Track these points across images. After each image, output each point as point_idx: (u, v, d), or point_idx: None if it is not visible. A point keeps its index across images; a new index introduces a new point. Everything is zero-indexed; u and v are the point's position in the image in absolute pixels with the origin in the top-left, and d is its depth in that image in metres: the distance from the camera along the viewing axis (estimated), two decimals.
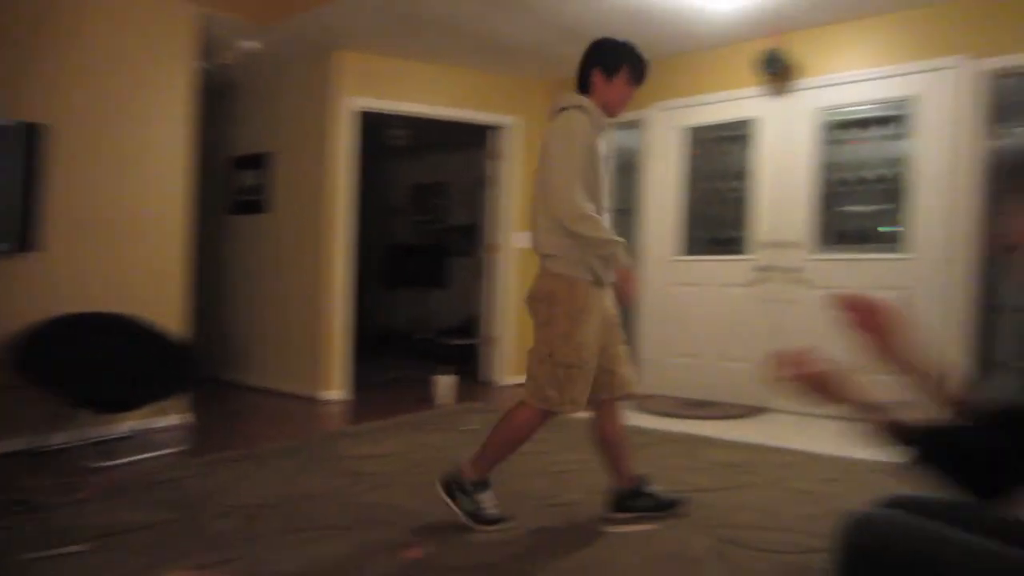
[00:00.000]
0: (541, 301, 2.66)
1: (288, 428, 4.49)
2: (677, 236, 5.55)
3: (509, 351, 6.21)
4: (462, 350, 7.32)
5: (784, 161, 5.00)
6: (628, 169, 5.91)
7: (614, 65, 2.76)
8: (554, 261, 2.65)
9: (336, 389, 5.48)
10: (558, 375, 2.61)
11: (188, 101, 4.69)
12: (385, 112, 5.72)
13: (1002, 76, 4.22)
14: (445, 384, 5.24)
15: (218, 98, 6.48)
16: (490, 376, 6.27)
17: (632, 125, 5.78)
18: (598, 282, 2.66)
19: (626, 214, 5.85)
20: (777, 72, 4.92)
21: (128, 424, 4.33)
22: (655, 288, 5.57)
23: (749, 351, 5.05)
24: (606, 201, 2.73)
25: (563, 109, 2.69)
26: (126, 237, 4.39)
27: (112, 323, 4.15)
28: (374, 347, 7.75)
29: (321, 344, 5.48)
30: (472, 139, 8.44)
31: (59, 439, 3.96)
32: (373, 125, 6.81)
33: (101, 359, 3.93)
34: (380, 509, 2.87)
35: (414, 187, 9.96)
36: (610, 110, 2.76)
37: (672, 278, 5.55)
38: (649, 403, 5.24)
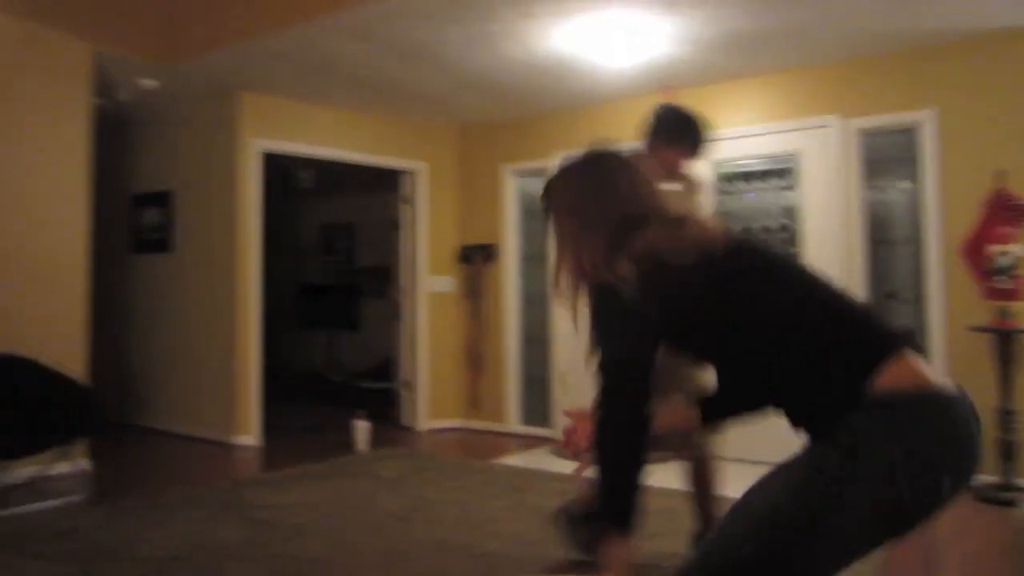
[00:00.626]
0: None
1: (197, 474, 4.34)
2: None
3: (425, 395, 6.21)
4: (377, 394, 7.26)
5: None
6: (534, 215, 6.04)
7: None
8: None
9: (247, 434, 5.32)
10: None
11: (84, 138, 4.55)
12: (291, 154, 5.71)
13: (871, 134, 4.61)
14: (362, 429, 5.17)
15: (117, 135, 6.31)
16: (406, 420, 6.23)
17: (538, 172, 5.95)
18: None
19: (532, 260, 6.01)
20: None
21: (23, 471, 4.08)
22: (568, 335, 5.71)
23: None
24: None
25: None
26: (18, 276, 4.19)
27: (3, 364, 3.93)
28: (285, 390, 7.57)
29: (232, 387, 5.33)
30: (380, 181, 8.50)
31: None
32: (280, 166, 6.77)
33: None
34: (297, 563, 2.81)
35: (323, 228, 9.88)
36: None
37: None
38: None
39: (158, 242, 5.96)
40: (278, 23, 4.27)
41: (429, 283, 6.25)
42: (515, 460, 4.87)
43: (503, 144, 6.11)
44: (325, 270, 9.85)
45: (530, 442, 5.60)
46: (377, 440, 5.46)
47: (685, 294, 1.44)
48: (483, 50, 4.46)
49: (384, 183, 8.26)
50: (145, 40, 4.80)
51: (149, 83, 5.20)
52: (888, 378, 1.29)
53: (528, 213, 6.06)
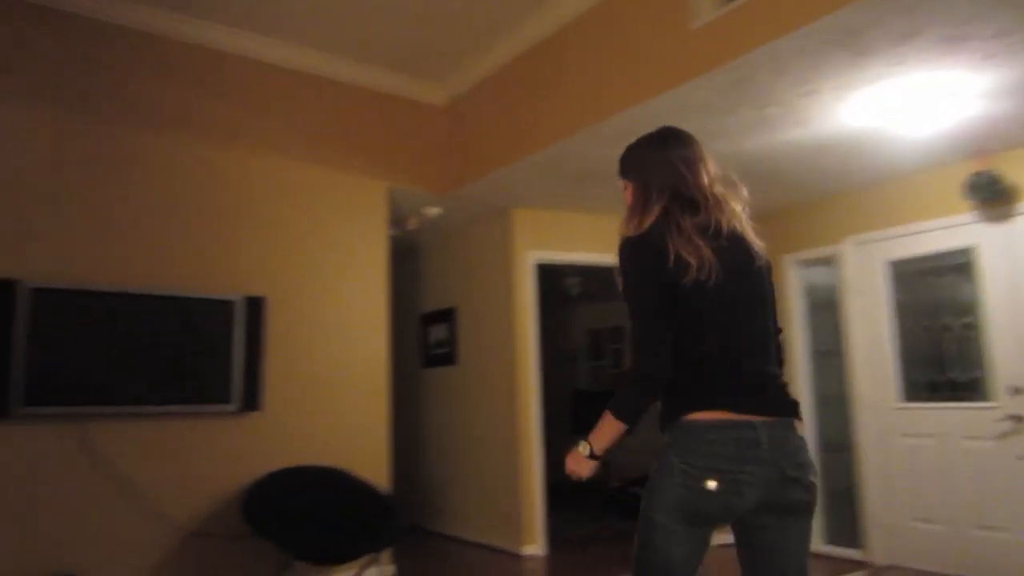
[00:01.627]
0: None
1: None
2: (893, 380, 5.00)
3: None
4: None
5: (1019, 293, 4.45)
6: (822, 308, 5.53)
7: None
8: None
9: (533, 543, 5.26)
10: None
11: (383, 267, 4.99)
12: (559, 263, 5.79)
13: None
14: None
15: (406, 261, 6.91)
16: None
17: (825, 261, 5.46)
18: None
19: (826, 356, 5.42)
20: (991, 196, 4.49)
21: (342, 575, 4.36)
22: (875, 439, 5.01)
23: (1010, 518, 4.32)
24: None
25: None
26: (335, 395, 4.60)
27: (326, 477, 4.28)
28: (565, 498, 7.50)
29: (516, 495, 5.35)
30: None
31: None
32: (548, 275, 6.94)
33: (318, 512, 4.03)
34: None
35: (590, 332, 9.95)
36: None
37: (896, 428, 4.96)
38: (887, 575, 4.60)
39: (444, 356, 6.32)
40: (545, 141, 4.44)
41: None
42: None
43: (783, 233, 5.71)
44: (595, 374, 9.84)
45: (838, 565, 4.90)
46: None
47: (683, 289, 1.78)
48: (760, 136, 4.22)
49: None
50: (429, 174, 5.27)
51: (433, 211, 5.65)
52: (697, 415, 1.74)
53: (816, 306, 5.54)
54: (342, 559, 4.00)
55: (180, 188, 4.18)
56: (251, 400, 4.16)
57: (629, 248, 1.87)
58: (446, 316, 6.35)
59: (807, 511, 1.79)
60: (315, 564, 3.94)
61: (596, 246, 5.83)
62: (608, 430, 1.85)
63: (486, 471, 5.67)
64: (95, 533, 3.69)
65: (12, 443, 3.54)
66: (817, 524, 5.30)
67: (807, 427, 5.27)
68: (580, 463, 1.91)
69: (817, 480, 1.80)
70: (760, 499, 1.71)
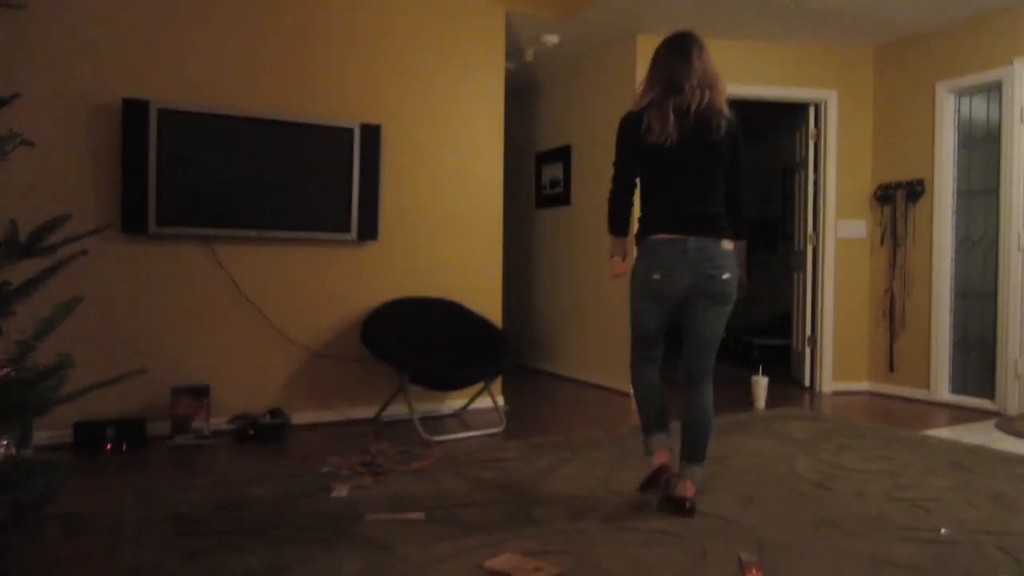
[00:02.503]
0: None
1: (595, 419, 4.42)
2: None
3: (829, 354, 5.59)
4: (771, 351, 6.82)
5: None
6: (972, 144, 4.99)
7: None
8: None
9: None
10: None
11: (499, 97, 4.83)
12: None
13: None
14: (761, 386, 4.83)
15: (521, 97, 6.70)
16: (807, 380, 5.70)
17: (986, 88, 4.86)
18: None
19: (973, 196, 4.95)
20: None
21: (451, 403, 4.59)
22: (1022, 285, 4.63)
23: None
24: None
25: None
26: (449, 229, 4.64)
27: (441, 307, 4.41)
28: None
29: (622, 336, 5.37)
30: (771, 125, 7.86)
31: (398, 412, 4.31)
32: None
33: (432, 340, 4.19)
34: (708, 518, 2.62)
35: None
36: None
37: None
38: (1020, 425, 4.38)
39: (558, 196, 6.23)
40: None
41: (837, 229, 5.56)
42: (949, 434, 4.10)
43: (936, 58, 5.12)
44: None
45: (964, 414, 4.70)
46: (774, 399, 5.07)
47: (646, 147, 2.65)
48: None
49: (776, 126, 7.64)
50: None
51: (551, 39, 5.37)
52: (651, 235, 2.67)
53: (969, 140, 5.01)
54: (454, 385, 4.17)
55: (295, 14, 4.12)
56: (368, 229, 4.26)
57: (623, 118, 2.77)
58: (561, 155, 6.20)
59: (719, 297, 2.66)
60: (429, 388, 4.13)
61: (724, 75, 5.40)
62: (614, 243, 2.87)
63: (597, 313, 5.68)
64: (224, 350, 3.99)
65: (149, 260, 3.80)
66: (943, 373, 5.09)
67: (946, 270, 5.02)
68: (614, 266, 2.88)
69: (730, 277, 2.65)
70: (689, 285, 2.65)
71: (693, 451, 2.70)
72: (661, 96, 2.65)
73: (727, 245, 2.65)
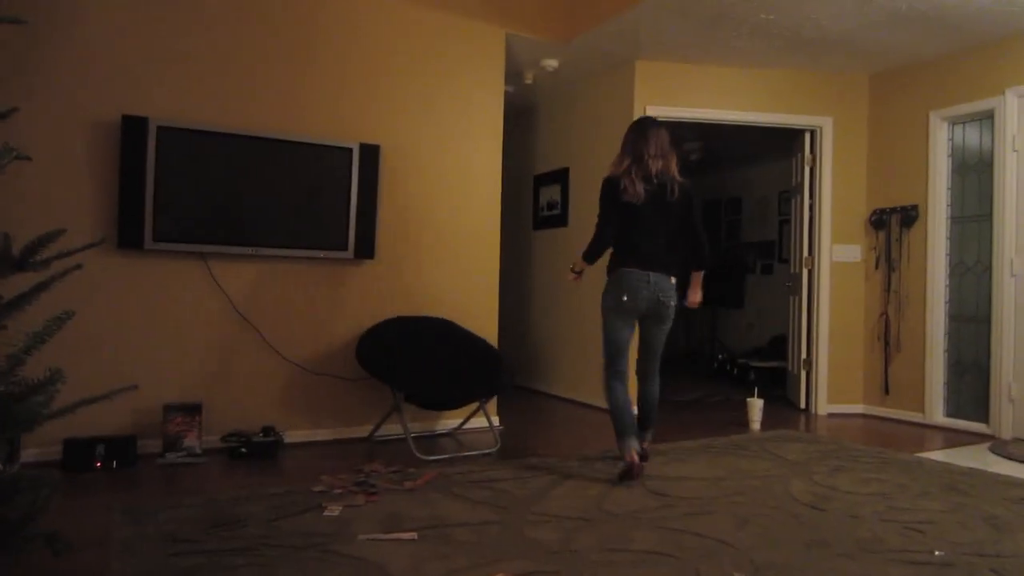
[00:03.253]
0: None
1: (590, 440, 4.40)
2: None
3: (824, 377, 5.59)
4: (766, 373, 6.82)
5: None
6: (964, 171, 5.02)
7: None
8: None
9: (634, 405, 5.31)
10: None
11: (498, 119, 4.88)
12: (684, 120, 5.49)
13: None
14: (756, 407, 4.82)
15: (520, 120, 6.75)
16: (802, 402, 5.69)
17: (978, 117, 4.91)
18: None
19: (966, 222, 4.98)
20: None
21: (446, 423, 4.57)
22: (1016, 310, 4.65)
23: None
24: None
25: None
26: (447, 249, 4.65)
27: (437, 327, 4.40)
28: (675, 366, 7.53)
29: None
30: (769, 151, 7.92)
31: (391, 431, 4.29)
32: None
33: (428, 360, 4.18)
34: (703, 540, 2.60)
35: (706, 204, 9.61)
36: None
37: None
38: (1013, 448, 4.38)
39: (555, 218, 6.25)
40: None
41: (833, 253, 5.59)
42: (943, 456, 4.09)
43: (930, 87, 5.18)
44: (709, 247, 9.59)
45: (958, 437, 4.70)
46: (769, 421, 5.06)
47: (621, 203, 3.49)
48: None
49: (774, 151, 7.70)
50: (551, 17, 5.00)
51: (551, 63, 5.42)
52: (622, 268, 3.49)
53: (962, 167, 5.05)
54: (449, 405, 4.16)
55: (297, 34, 4.16)
56: (366, 248, 4.26)
57: (605, 180, 3.55)
58: (559, 177, 6.23)
59: (665, 318, 3.59)
60: (424, 408, 4.12)
61: (720, 100, 5.48)
62: (579, 261, 3.67)
63: (593, 334, 5.66)
64: (218, 367, 3.97)
65: (144, 276, 3.79)
66: (938, 396, 5.09)
67: (940, 295, 5.04)
68: (572, 275, 3.77)
69: (674, 304, 3.56)
70: (647, 308, 3.51)
71: (646, 421, 3.76)
72: (631, 164, 3.49)
73: (673, 280, 3.56)
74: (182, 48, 3.87)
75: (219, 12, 3.97)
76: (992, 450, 4.28)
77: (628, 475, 3.37)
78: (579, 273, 3.71)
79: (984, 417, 4.82)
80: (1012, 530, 2.74)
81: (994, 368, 4.75)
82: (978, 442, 4.55)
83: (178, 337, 3.86)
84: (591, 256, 3.59)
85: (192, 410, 3.72)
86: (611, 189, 3.50)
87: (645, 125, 3.59)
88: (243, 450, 3.73)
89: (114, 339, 3.71)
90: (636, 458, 3.39)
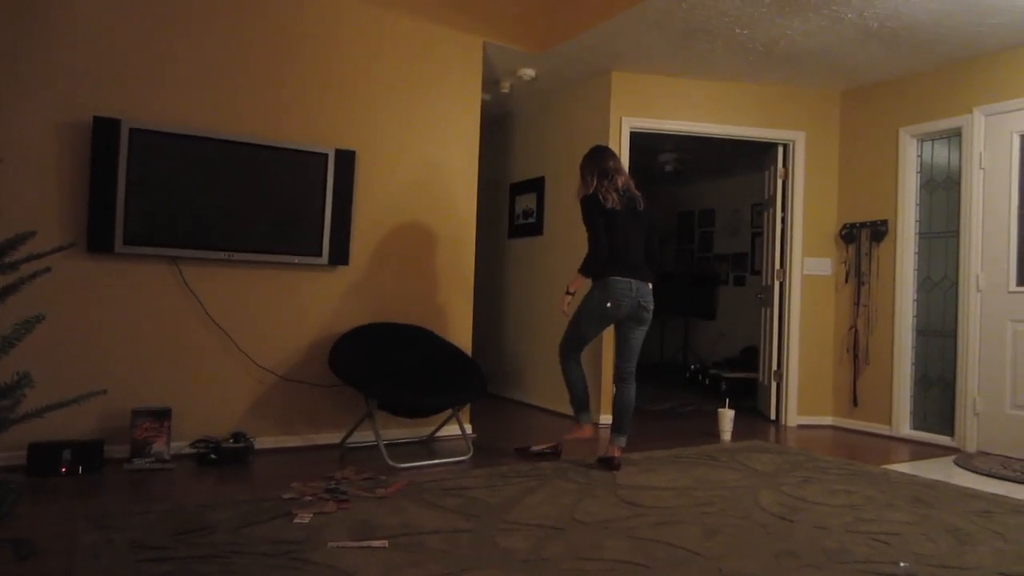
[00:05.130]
0: None
1: (565, 450, 4.41)
2: (1011, 263, 4.66)
3: (794, 389, 5.67)
4: (737, 384, 6.88)
5: None
6: (932, 188, 5.13)
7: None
8: None
9: (607, 413, 5.34)
10: None
11: (475, 127, 4.89)
12: (659, 132, 5.55)
13: None
14: (727, 418, 4.87)
15: (496, 129, 6.78)
16: (772, 413, 5.76)
17: (946, 135, 5.02)
18: None
19: (934, 238, 5.08)
20: None
21: (418, 431, 4.56)
22: (981, 325, 4.75)
23: None
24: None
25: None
26: (422, 257, 4.65)
27: (411, 334, 4.39)
28: (648, 375, 7.56)
29: (597, 368, 5.39)
30: (741, 163, 8.02)
31: (363, 438, 4.27)
32: (641, 153, 6.69)
33: (401, 367, 4.17)
34: (672, 549, 2.62)
35: (679, 215, 9.70)
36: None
37: (1007, 313, 4.67)
38: (978, 461, 4.46)
39: (530, 227, 6.28)
40: None
41: (804, 266, 5.67)
42: (909, 468, 4.16)
43: (900, 104, 5.28)
44: (680, 258, 9.67)
45: (924, 450, 4.78)
46: (739, 431, 5.11)
47: (607, 211, 3.77)
48: None
49: (747, 164, 7.80)
50: (528, 28, 5.03)
51: (528, 72, 5.46)
52: (608, 276, 3.75)
53: (931, 184, 5.16)
54: (423, 412, 4.15)
55: (274, 38, 4.14)
56: (340, 254, 4.25)
57: (585, 200, 3.82)
58: (534, 186, 6.26)
59: (644, 321, 3.86)
60: (396, 415, 4.11)
61: (695, 113, 5.54)
62: (578, 280, 3.86)
63: None
64: (189, 372, 3.93)
65: (114, 279, 3.74)
66: (905, 409, 5.18)
67: (908, 309, 5.13)
68: (564, 300, 3.91)
69: (651, 307, 3.85)
70: (627, 313, 3.79)
71: (621, 426, 3.90)
72: (600, 180, 3.82)
73: (650, 286, 3.87)
74: (157, 50, 3.84)
75: (195, 14, 3.94)
76: (957, 463, 4.36)
77: (609, 464, 3.82)
78: (573, 294, 3.90)
79: (949, 430, 4.91)
80: (975, 542, 2.79)
81: (959, 382, 4.84)
82: (943, 455, 4.63)
83: (148, 342, 3.81)
84: (594, 269, 3.78)
85: (161, 415, 3.67)
86: (594, 202, 3.77)
87: (599, 149, 3.98)
88: (213, 456, 3.69)
89: (83, 343, 3.65)
90: (591, 430, 4.07)
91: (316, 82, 4.28)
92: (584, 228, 3.84)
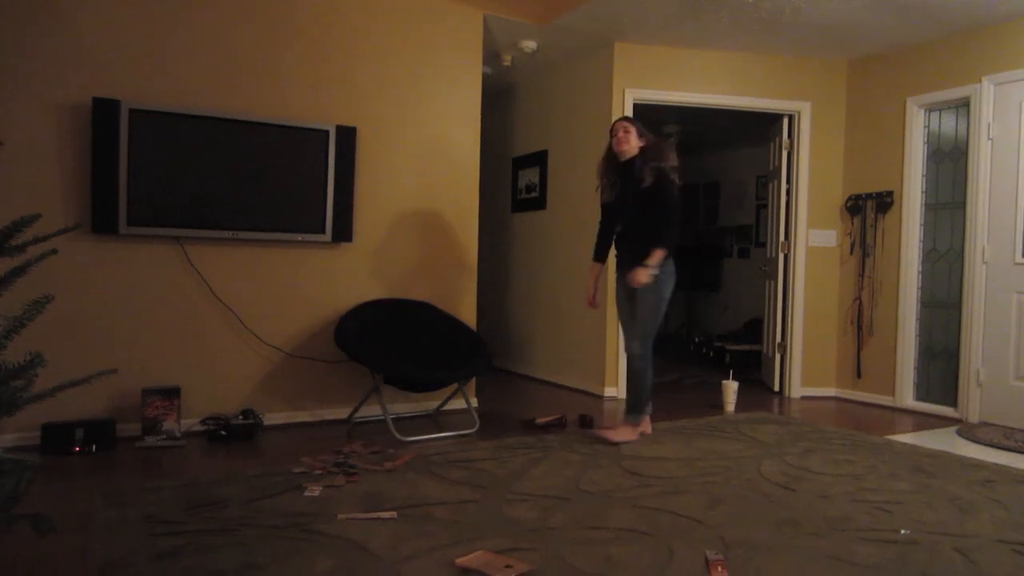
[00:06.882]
0: None
1: (568, 421, 4.46)
2: (1018, 234, 4.62)
3: (799, 360, 5.69)
4: (741, 356, 6.91)
5: None
6: (939, 159, 5.11)
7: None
8: None
9: (614, 386, 5.38)
10: None
11: (476, 101, 4.87)
12: (662, 103, 5.51)
13: None
14: (731, 389, 4.90)
15: (498, 102, 6.74)
16: (776, 385, 5.79)
17: (955, 104, 4.98)
18: None
19: (940, 209, 5.06)
20: None
21: (425, 404, 4.60)
22: (986, 296, 4.75)
23: None
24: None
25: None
26: (425, 232, 4.66)
27: (416, 309, 4.42)
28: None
29: (601, 341, 5.42)
30: (746, 135, 7.97)
31: (370, 412, 4.32)
32: (646, 123, 6.65)
33: (406, 342, 4.21)
34: (677, 518, 2.66)
35: (684, 187, 9.66)
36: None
37: (1012, 285, 4.66)
38: (980, 432, 4.49)
39: (533, 200, 6.27)
40: None
41: (809, 237, 5.66)
42: (912, 439, 4.19)
43: (907, 74, 5.23)
44: (685, 231, 9.65)
45: (927, 421, 4.81)
46: (743, 403, 5.15)
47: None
48: None
49: (752, 136, 7.76)
50: (525, 0, 4.98)
51: (529, 44, 5.41)
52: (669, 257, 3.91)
53: (937, 155, 5.13)
54: (428, 387, 4.19)
55: (272, 14, 4.12)
56: (343, 231, 4.26)
57: (671, 176, 3.88)
58: (537, 159, 6.24)
59: None
60: (403, 389, 4.15)
61: (699, 84, 5.50)
62: (658, 256, 3.78)
63: (570, 316, 5.73)
64: (197, 351, 3.97)
65: (119, 260, 3.77)
66: (908, 381, 5.20)
67: (912, 280, 5.13)
68: (641, 276, 3.79)
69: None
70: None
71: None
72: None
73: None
74: (155, 30, 3.83)
75: None
76: (959, 433, 4.39)
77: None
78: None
79: (953, 401, 4.93)
80: (975, 511, 2.82)
81: (963, 353, 4.85)
82: (946, 425, 4.66)
83: (156, 321, 3.85)
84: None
85: (171, 393, 3.72)
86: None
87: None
88: (222, 433, 3.74)
89: (91, 324, 3.69)
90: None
91: (316, 59, 4.26)
92: (655, 204, 3.79)
